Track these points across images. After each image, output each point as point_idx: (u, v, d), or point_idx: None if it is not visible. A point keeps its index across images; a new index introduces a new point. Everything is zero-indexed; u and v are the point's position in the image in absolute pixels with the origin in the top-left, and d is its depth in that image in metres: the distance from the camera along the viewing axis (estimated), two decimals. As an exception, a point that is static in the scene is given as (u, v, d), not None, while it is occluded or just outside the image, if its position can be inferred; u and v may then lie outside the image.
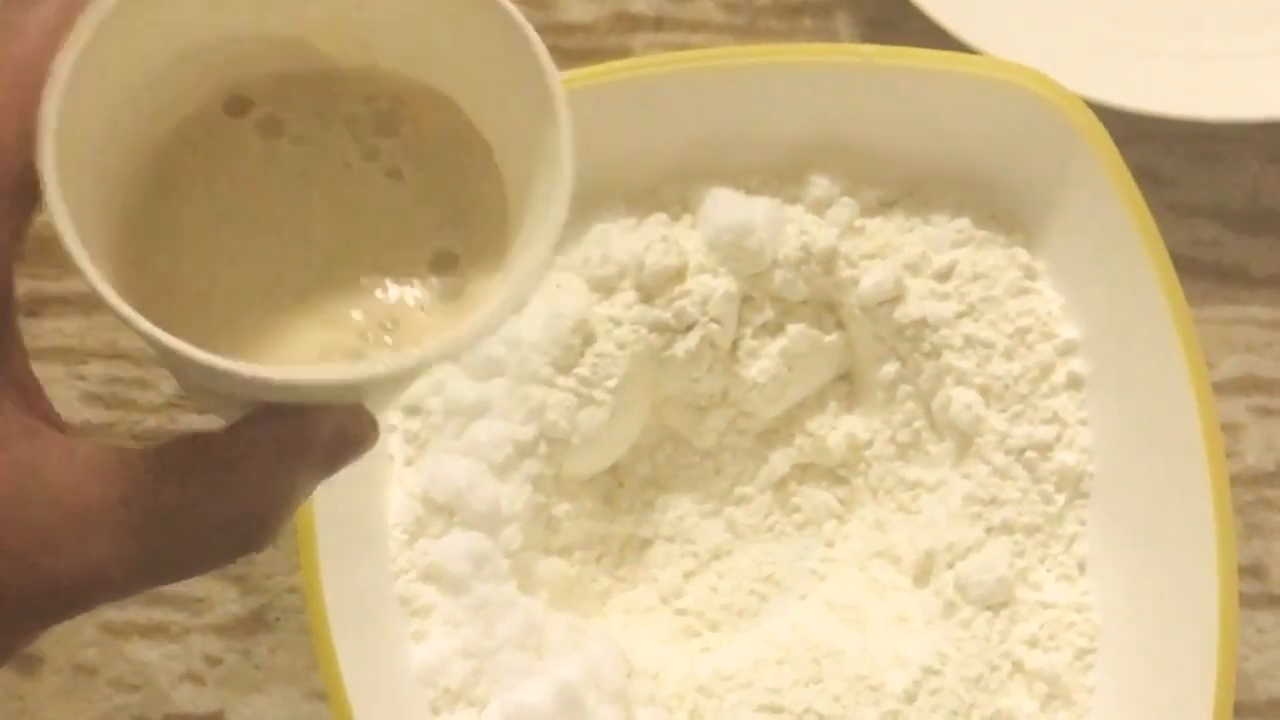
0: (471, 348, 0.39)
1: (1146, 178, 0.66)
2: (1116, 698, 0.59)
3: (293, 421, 0.36)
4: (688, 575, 0.64)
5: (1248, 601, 0.65)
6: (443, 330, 0.37)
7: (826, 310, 0.63)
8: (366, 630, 0.57)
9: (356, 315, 0.37)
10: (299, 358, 0.37)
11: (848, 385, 0.65)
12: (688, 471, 0.65)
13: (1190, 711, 0.56)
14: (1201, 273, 0.69)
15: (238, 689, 0.64)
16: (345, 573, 0.57)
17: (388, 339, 0.37)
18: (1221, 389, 0.67)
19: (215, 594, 0.65)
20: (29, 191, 0.33)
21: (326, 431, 0.36)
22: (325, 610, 0.55)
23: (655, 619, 0.63)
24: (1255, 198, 0.69)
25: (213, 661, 0.64)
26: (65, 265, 0.32)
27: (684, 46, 0.70)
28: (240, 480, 0.35)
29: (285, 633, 0.64)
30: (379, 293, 0.38)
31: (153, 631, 0.64)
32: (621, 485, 0.64)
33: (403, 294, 0.38)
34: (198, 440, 0.35)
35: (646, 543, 0.64)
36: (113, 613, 0.64)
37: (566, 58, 0.69)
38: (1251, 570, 0.66)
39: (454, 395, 0.60)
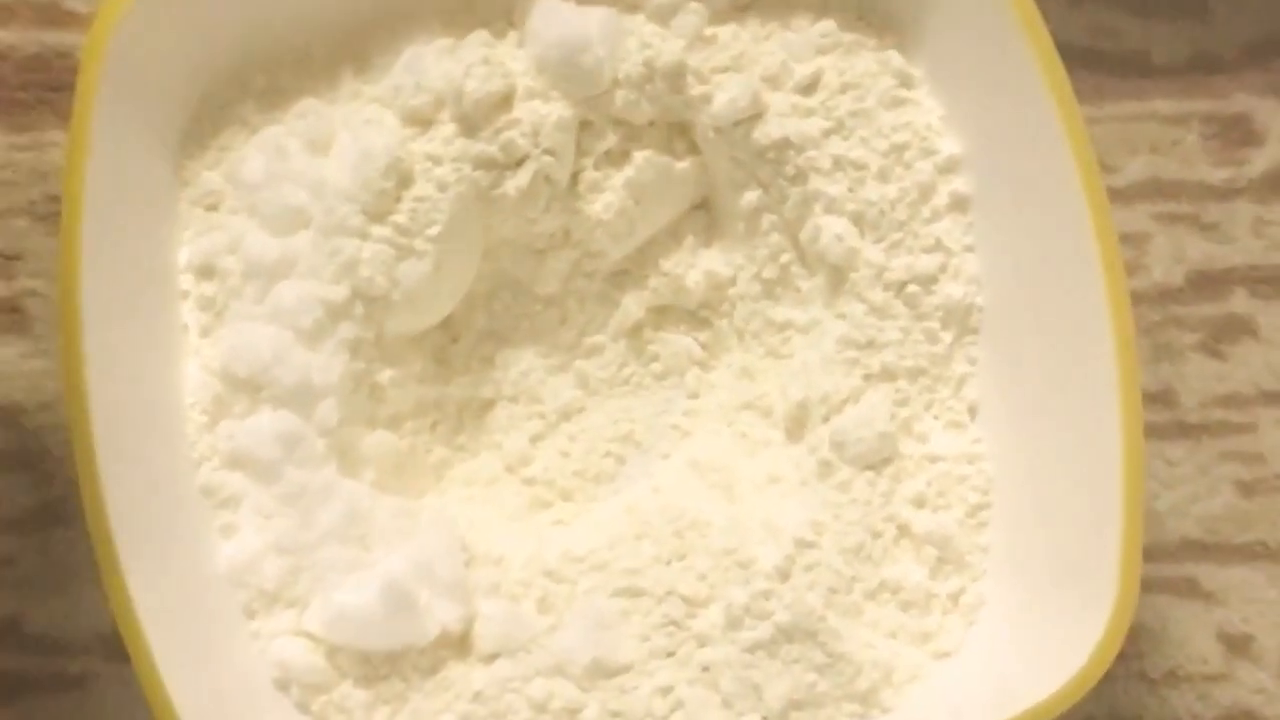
0: None
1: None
2: (1013, 556, 0.53)
3: None
4: (535, 439, 0.57)
5: (1156, 431, 0.60)
6: None
7: (677, 133, 0.56)
8: (162, 526, 0.50)
9: None
10: None
11: (705, 216, 0.58)
12: (529, 322, 0.58)
13: (1096, 562, 0.50)
14: (1098, 64, 0.62)
15: (34, 591, 0.57)
16: (133, 461, 0.50)
17: None
18: (1123, 195, 0.61)
19: (2, 486, 0.57)
20: None
21: None
22: (105, 506, 0.48)
23: (500, 491, 0.56)
24: (1157, -24, 0.62)
25: (4, 562, 0.57)
26: None
27: None
28: None
29: (86, 525, 0.57)
30: None
31: (-67, 533, 0.57)
32: (455, 341, 0.57)
33: None
34: None
35: (487, 405, 0.58)
36: (-117, 514, 0.57)
37: None
38: (1159, 397, 0.60)
39: (252, 253, 0.52)
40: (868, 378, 0.54)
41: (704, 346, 0.58)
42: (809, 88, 0.54)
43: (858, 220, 0.54)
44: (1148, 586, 0.56)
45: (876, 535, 0.53)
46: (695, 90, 0.54)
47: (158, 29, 0.51)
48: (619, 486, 0.57)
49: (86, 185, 0.49)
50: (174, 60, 0.52)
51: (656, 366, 0.58)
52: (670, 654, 0.52)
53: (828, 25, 0.55)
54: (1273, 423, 0.61)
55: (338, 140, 0.53)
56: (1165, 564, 0.60)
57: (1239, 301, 0.61)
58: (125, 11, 0.50)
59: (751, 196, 0.56)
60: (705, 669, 0.52)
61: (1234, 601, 0.60)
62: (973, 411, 0.55)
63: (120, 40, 0.50)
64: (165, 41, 0.51)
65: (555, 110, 0.53)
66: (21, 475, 0.58)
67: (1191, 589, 0.60)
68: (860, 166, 0.54)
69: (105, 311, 0.50)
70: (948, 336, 0.54)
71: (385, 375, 0.54)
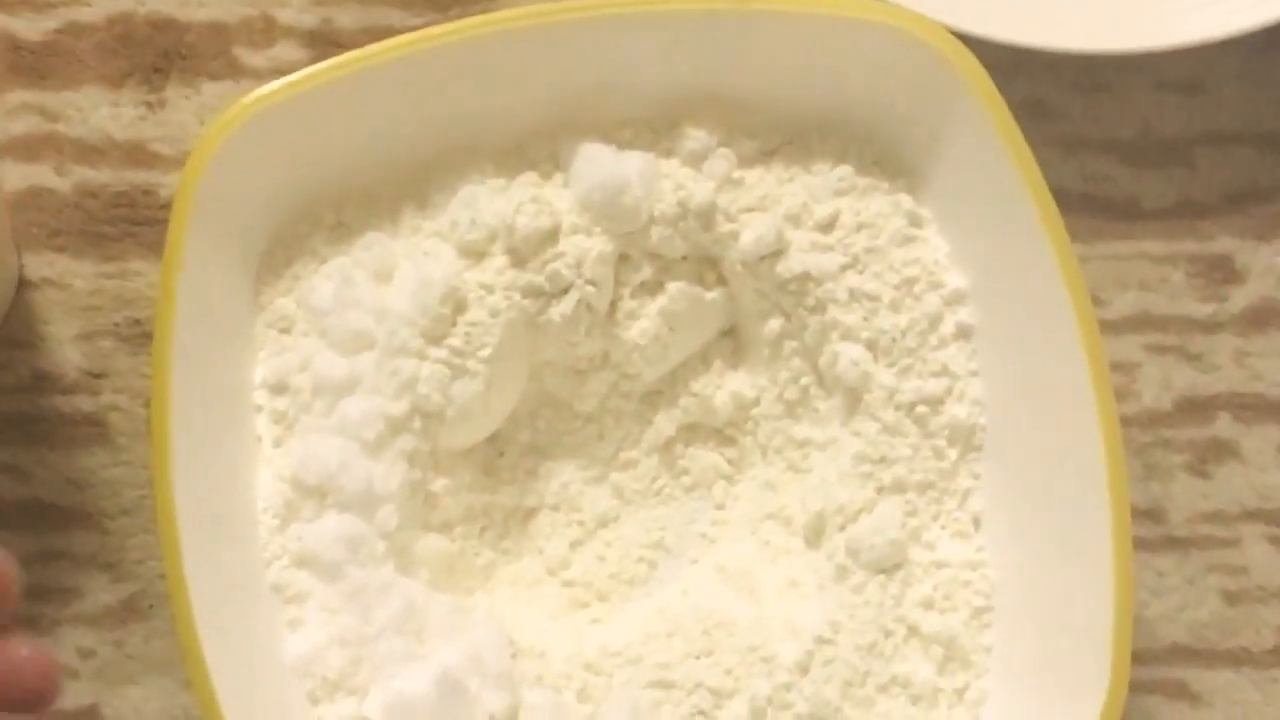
0: None
1: (1033, 111, 0.65)
2: (1014, 656, 0.58)
3: None
4: (574, 545, 0.62)
5: (1146, 545, 0.64)
6: None
7: (707, 266, 0.61)
8: (237, 620, 0.55)
9: None
10: None
11: (732, 342, 0.63)
12: (570, 437, 0.63)
13: (1089, 663, 0.54)
14: (1092, 208, 0.67)
15: (112, 681, 0.62)
16: (212, 561, 0.54)
17: None
18: (1115, 327, 0.66)
19: (84, 583, 0.62)
20: None
21: None
22: (189, 601, 0.53)
23: (542, 592, 0.61)
24: (1146, 128, 0.67)
25: (85, 654, 0.62)
26: None
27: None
28: None
29: (159, 620, 0.62)
30: None
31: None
32: (502, 454, 0.62)
33: None
34: None
35: (530, 513, 0.62)
36: (-24, 608, 0.62)
37: (432, 6, 0.66)
38: (1150, 513, 0.65)
39: (321, 372, 0.57)
40: (880, 490, 0.59)
41: (730, 461, 0.63)
42: (828, 226, 0.60)
43: (871, 347, 0.59)
44: (1140, 688, 0.60)
45: (888, 634, 0.58)
46: (724, 228, 0.60)
47: (240, 172, 0.56)
48: (651, 589, 0.61)
49: (177, 310, 0.54)
50: (253, 198, 0.58)
51: (686, 479, 0.63)
52: (699, 742, 0.57)
53: (845, 170, 0.60)
54: (1255, 538, 0.65)
55: (399, 270, 0.58)
56: (1156, 667, 0.64)
57: (1223, 426, 0.65)
58: (212, 156, 0.55)
59: (774, 324, 0.61)
60: (731, 756, 0.57)
61: (1220, 703, 0.64)
62: (976, 522, 0.59)
63: (208, 182, 0.55)
64: (246, 182, 0.57)
65: (597, 245, 0.59)
66: (102, 575, 0.62)
67: (1181, 691, 0.64)
68: (874, 298, 0.59)
69: (189, 424, 0.55)
70: (953, 453, 0.59)
71: (439, 484, 0.59)
